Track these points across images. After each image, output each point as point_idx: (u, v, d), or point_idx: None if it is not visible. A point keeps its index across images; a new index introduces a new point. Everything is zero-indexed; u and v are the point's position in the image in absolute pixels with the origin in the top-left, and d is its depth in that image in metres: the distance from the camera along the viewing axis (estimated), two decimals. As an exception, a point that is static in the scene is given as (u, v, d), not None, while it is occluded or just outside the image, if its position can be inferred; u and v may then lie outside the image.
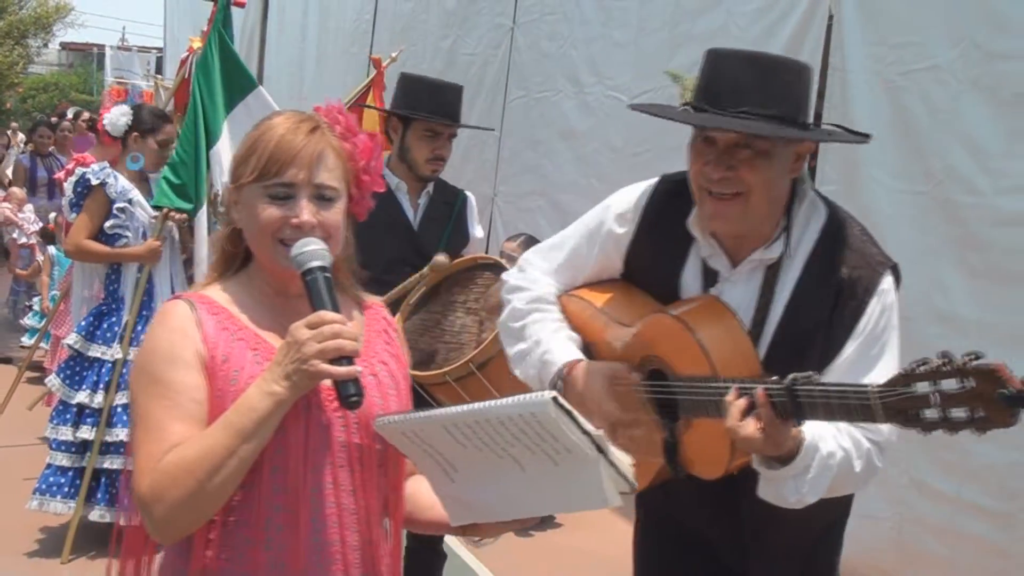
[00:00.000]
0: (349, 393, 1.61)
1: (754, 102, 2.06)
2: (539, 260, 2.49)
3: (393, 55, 5.64)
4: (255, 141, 1.76)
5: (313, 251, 1.68)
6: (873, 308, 2.15)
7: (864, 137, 2.28)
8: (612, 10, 6.24)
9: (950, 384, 1.72)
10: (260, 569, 1.70)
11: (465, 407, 1.61)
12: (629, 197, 2.39)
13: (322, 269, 1.67)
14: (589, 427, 1.57)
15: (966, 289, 3.75)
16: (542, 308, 2.40)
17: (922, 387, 1.76)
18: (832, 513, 2.32)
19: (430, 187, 3.80)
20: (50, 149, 9.33)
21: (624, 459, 1.62)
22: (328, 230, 1.74)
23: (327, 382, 1.65)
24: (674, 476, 2.25)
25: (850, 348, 2.13)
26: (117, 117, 4.96)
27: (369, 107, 5.59)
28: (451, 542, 4.35)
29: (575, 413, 1.56)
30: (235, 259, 1.83)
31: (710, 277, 2.26)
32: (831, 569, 2.42)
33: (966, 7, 3.93)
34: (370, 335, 1.88)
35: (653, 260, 2.33)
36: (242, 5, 5.40)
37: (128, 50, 20.51)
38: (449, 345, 3.28)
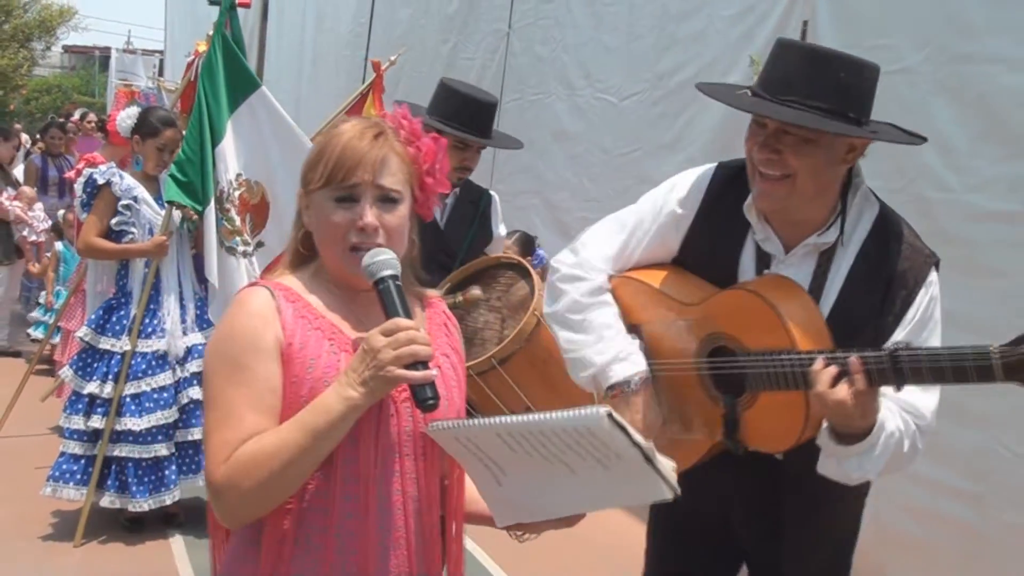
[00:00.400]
0: (426, 396, 1.62)
1: (802, 93, 2.09)
2: (594, 243, 2.45)
3: (392, 59, 5.68)
4: (323, 148, 1.78)
5: (384, 260, 1.69)
6: (922, 299, 2.19)
7: (919, 138, 2.29)
8: (602, 15, 6.26)
9: None
10: (330, 554, 1.71)
11: (520, 417, 1.62)
12: (690, 180, 2.38)
13: (393, 278, 1.69)
14: (639, 439, 1.58)
15: (948, 282, 3.73)
16: (600, 302, 2.38)
17: None
18: (860, 504, 2.38)
19: (457, 190, 3.81)
20: (61, 149, 9.30)
21: (669, 466, 1.63)
22: (390, 232, 1.75)
23: None
24: (732, 452, 2.24)
25: (899, 335, 2.15)
26: (124, 119, 5.03)
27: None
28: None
29: (628, 427, 1.57)
30: (308, 260, 1.85)
31: (763, 261, 2.27)
32: (850, 555, 2.44)
33: (933, 12, 3.96)
34: (432, 329, 1.89)
35: (711, 242, 2.32)
36: (247, 5, 5.39)
37: (133, 53, 20.32)
38: (472, 341, 3.29)
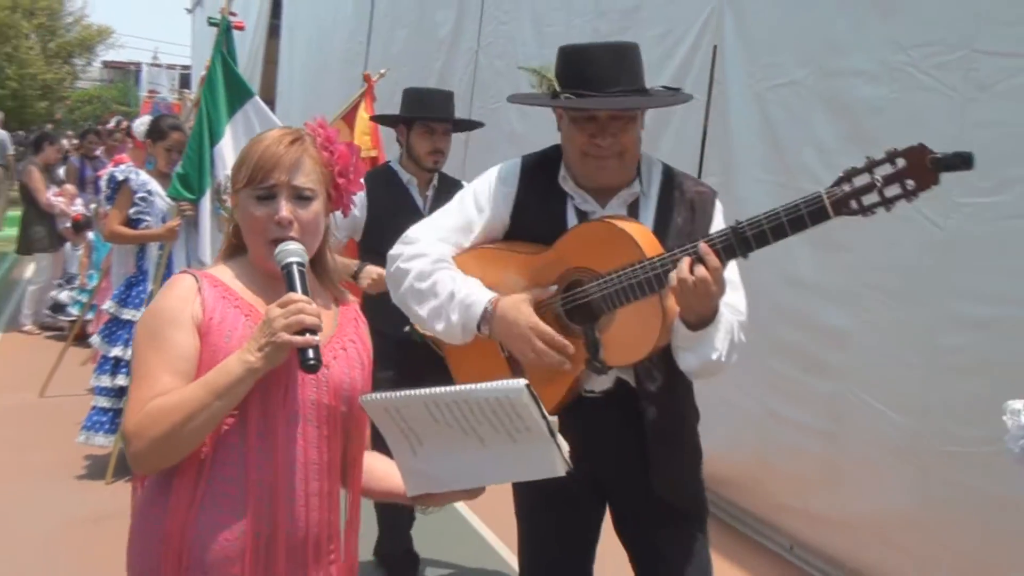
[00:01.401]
0: (307, 358, 1.60)
1: (624, 82, 2.14)
2: (426, 232, 2.38)
3: (381, 72, 5.69)
4: (247, 153, 1.78)
5: (289, 250, 1.69)
6: (719, 213, 2.28)
7: (687, 96, 2.37)
8: (545, 34, 6.27)
9: (884, 169, 1.84)
10: (246, 504, 1.68)
11: (447, 388, 1.59)
12: (503, 168, 2.38)
13: (298, 264, 1.68)
14: (546, 413, 1.56)
15: (809, 258, 3.81)
16: (444, 266, 2.31)
17: (861, 180, 1.87)
18: (696, 433, 2.40)
19: (435, 180, 3.76)
20: (96, 152, 9.19)
21: (565, 446, 1.61)
22: (304, 225, 1.75)
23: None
24: (596, 372, 2.19)
25: None
26: (139, 126, 5.13)
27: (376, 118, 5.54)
28: (460, 509, 4.35)
29: (539, 399, 1.55)
30: (238, 249, 1.84)
31: (584, 218, 2.28)
32: (700, 471, 2.42)
33: (812, 35, 4.03)
34: (343, 322, 1.87)
35: (538, 210, 2.31)
36: (241, 28, 5.44)
37: (159, 67, 20.35)
38: None
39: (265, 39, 14.25)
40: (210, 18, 4.99)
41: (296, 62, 12.77)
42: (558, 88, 2.17)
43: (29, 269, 9.25)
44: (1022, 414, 1.87)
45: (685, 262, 1.95)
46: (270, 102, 13.43)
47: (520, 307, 2.15)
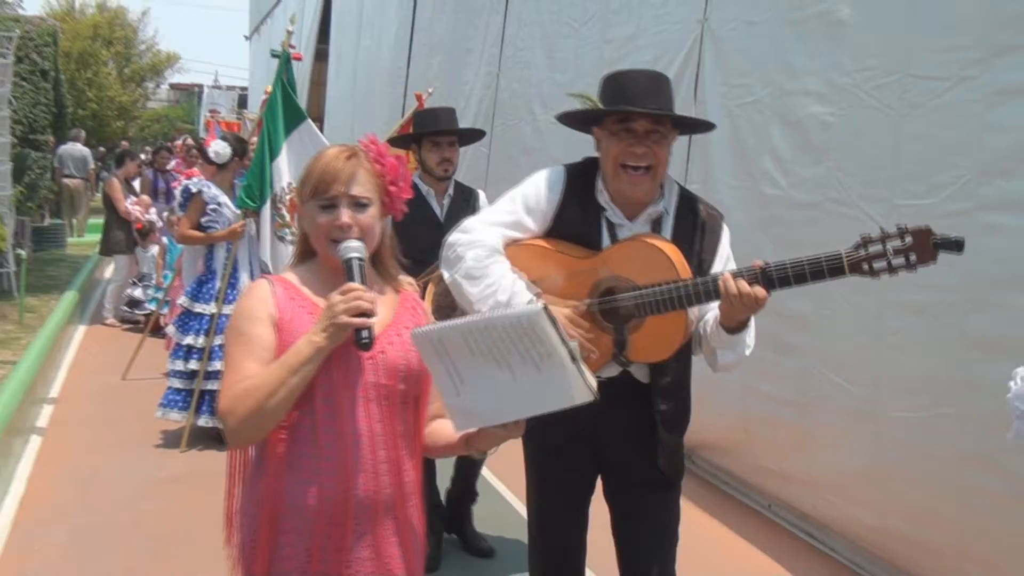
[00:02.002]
0: (361, 337, 1.62)
1: (659, 102, 2.18)
2: (482, 224, 2.38)
3: (429, 90, 5.68)
4: (310, 169, 1.78)
5: (349, 247, 1.71)
6: (725, 238, 2.34)
7: (711, 125, 2.44)
8: (555, 60, 6.33)
9: (895, 243, 1.94)
10: (319, 475, 1.70)
11: (478, 316, 1.61)
12: (549, 174, 2.38)
13: (358, 259, 1.70)
14: (567, 338, 1.56)
15: (772, 253, 3.69)
16: (498, 259, 2.30)
17: (875, 248, 1.96)
18: (689, 417, 2.44)
19: (451, 189, 3.77)
20: (167, 166, 9.18)
21: (589, 372, 1.60)
22: (363, 228, 1.76)
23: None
24: (620, 366, 2.25)
25: (717, 265, 2.26)
26: (215, 151, 5.14)
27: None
28: (488, 478, 4.41)
29: (558, 323, 1.54)
30: (307, 255, 1.85)
31: (612, 228, 2.28)
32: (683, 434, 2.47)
33: (773, 60, 4.13)
34: (401, 309, 1.87)
35: (576, 217, 2.31)
36: (299, 59, 5.57)
37: (219, 88, 20.31)
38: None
39: (312, 63, 14.38)
40: (272, 50, 5.13)
41: (343, 85, 12.88)
42: (602, 107, 2.22)
43: (109, 269, 9.35)
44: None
45: (741, 281, 2.01)
46: (318, 120, 13.31)
47: (559, 304, 2.18)
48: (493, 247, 2.28)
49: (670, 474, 2.36)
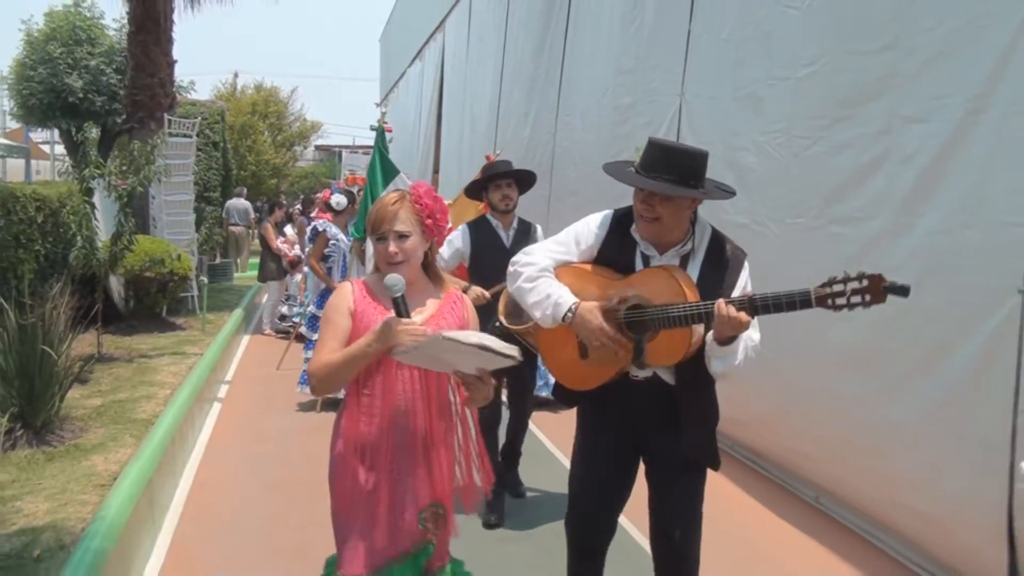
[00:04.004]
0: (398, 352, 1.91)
1: (662, 171, 2.25)
2: (540, 249, 2.53)
3: (497, 152, 6.41)
4: (371, 212, 2.05)
5: (393, 286, 1.93)
6: (745, 274, 2.41)
7: (731, 194, 2.41)
8: (588, 124, 7.15)
9: (854, 284, 2.01)
10: (393, 417, 1.98)
11: (453, 332, 1.87)
12: (600, 217, 2.51)
13: (400, 295, 1.93)
14: (475, 340, 1.84)
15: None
16: (547, 274, 2.45)
17: (837, 287, 2.03)
18: (715, 410, 2.52)
19: (515, 223, 4.13)
20: (313, 214, 9.53)
21: (505, 346, 1.86)
22: (406, 254, 2.00)
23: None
24: (638, 368, 2.36)
25: (736, 293, 2.32)
26: (339, 199, 6.36)
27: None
28: (547, 444, 5.04)
29: (459, 338, 1.82)
30: (377, 269, 2.11)
31: (646, 259, 2.39)
32: (715, 427, 2.54)
33: (722, 126, 4.86)
34: (444, 303, 2.09)
35: (617, 250, 2.43)
36: (391, 131, 6.27)
37: (355, 152, 20.73)
38: (523, 317, 3.26)
39: (435, 125, 15.43)
40: (372, 125, 6.04)
41: (452, 143, 13.99)
42: (637, 164, 2.37)
43: (264, 296, 10.55)
44: None
45: (731, 307, 2.10)
46: (436, 172, 14.80)
47: (593, 311, 2.32)
48: (545, 267, 2.46)
49: (695, 459, 2.44)
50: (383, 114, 6.32)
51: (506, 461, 4.35)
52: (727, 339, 2.20)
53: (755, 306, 2.11)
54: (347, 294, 2.05)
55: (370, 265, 6.01)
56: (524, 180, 4.25)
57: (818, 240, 4.11)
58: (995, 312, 3.20)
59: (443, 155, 14.75)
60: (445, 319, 2.07)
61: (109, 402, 5.44)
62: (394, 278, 1.94)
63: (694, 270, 2.35)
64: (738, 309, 2.11)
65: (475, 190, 4.38)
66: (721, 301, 2.13)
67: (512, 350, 1.87)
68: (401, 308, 1.93)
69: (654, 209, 2.28)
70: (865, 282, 1.99)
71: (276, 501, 4.41)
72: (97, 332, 6.63)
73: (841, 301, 2.02)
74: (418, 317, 2.01)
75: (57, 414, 4.74)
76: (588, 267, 2.46)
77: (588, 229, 2.50)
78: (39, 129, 19.46)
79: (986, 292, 3.23)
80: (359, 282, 2.09)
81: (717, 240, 2.42)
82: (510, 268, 2.53)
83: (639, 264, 2.39)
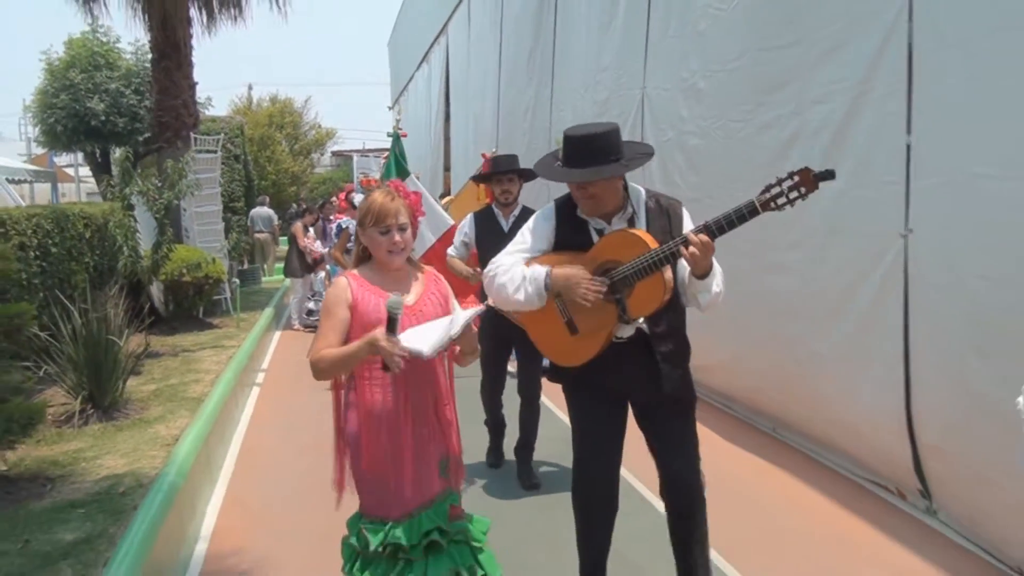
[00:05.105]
0: (385, 366, 2.00)
1: (583, 158, 2.37)
2: (502, 254, 2.61)
3: (494, 150, 6.66)
4: (369, 207, 2.13)
5: (392, 306, 1.99)
6: (687, 218, 2.54)
7: (648, 155, 2.51)
8: (580, 117, 7.11)
9: (788, 183, 2.18)
10: (402, 382, 2.08)
11: (428, 345, 2.01)
12: (544, 211, 2.62)
13: (395, 314, 1.99)
14: (457, 330, 2.04)
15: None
16: (517, 265, 2.56)
17: (775, 189, 2.19)
18: (687, 349, 2.63)
19: (517, 211, 4.32)
20: (331, 216, 9.94)
21: (463, 312, 2.09)
22: (406, 242, 2.12)
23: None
24: (624, 323, 2.43)
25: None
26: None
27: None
28: (545, 400, 4.82)
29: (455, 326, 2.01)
30: (364, 260, 2.20)
31: (599, 233, 2.49)
32: (691, 380, 2.66)
33: (673, 114, 5.39)
34: (427, 282, 2.21)
35: (572, 233, 2.52)
36: (405, 136, 6.36)
37: (367, 155, 20.52)
38: None
39: (444, 125, 15.88)
40: (388, 132, 6.28)
41: (459, 141, 14.42)
42: (560, 158, 2.49)
43: (290, 297, 10.78)
44: None
45: (699, 236, 2.21)
46: (447, 170, 15.21)
47: (571, 269, 2.43)
48: (512, 263, 2.58)
49: (676, 392, 2.58)
50: (397, 121, 6.49)
51: (521, 452, 4.45)
52: (703, 272, 2.34)
53: (711, 228, 2.25)
54: (344, 287, 2.17)
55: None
56: (526, 176, 4.44)
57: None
58: (885, 255, 3.88)
59: (453, 154, 15.09)
60: (432, 296, 2.25)
61: (163, 387, 6.24)
62: (395, 300, 2.03)
63: (641, 227, 2.48)
64: (698, 234, 2.26)
65: (482, 179, 4.73)
66: (688, 232, 2.26)
67: (471, 311, 2.14)
68: (395, 325, 2.02)
69: (588, 190, 2.42)
70: (796, 178, 2.15)
71: (307, 460, 5.02)
72: (144, 331, 7.33)
73: (782, 200, 2.17)
74: (410, 298, 2.19)
75: (121, 395, 5.54)
76: (553, 256, 2.56)
77: (538, 224, 2.61)
78: (63, 153, 19.74)
79: (877, 239, 3.90)
80: (351, 274, 2.21)
81: (652, 196, 2.55)
82: (484, 281, 2.64)
83: (595, 237, 2.49)
